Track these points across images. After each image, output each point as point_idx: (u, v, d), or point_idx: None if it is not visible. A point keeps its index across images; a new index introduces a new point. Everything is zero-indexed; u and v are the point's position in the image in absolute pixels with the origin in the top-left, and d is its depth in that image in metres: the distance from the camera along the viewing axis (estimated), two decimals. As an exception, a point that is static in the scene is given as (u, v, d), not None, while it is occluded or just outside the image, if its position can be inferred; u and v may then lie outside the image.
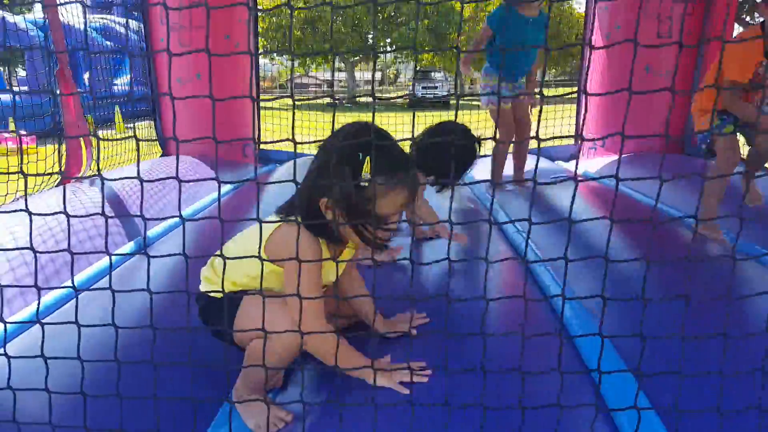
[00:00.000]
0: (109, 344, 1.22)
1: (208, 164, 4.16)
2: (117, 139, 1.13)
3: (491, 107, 3.71)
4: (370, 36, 26.28)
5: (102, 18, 15.19)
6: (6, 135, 9.02)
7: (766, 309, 1.77)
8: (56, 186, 3.17)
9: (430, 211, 2.54)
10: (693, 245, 2.56)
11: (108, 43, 14.11)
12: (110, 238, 2.68)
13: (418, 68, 26.24)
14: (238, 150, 4.90)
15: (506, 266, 2.31)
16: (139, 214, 1.36)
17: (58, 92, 3.00)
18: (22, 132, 8.02)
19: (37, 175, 1.03)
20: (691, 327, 1.60)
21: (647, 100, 1.56)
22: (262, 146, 5.37)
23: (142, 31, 4.64)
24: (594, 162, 4.95)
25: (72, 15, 5.92)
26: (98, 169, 1.27)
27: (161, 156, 4.62)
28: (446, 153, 2.16)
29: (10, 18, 11.81)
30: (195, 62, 3.99)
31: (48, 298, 1.99)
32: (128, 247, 2.65)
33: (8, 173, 1.17)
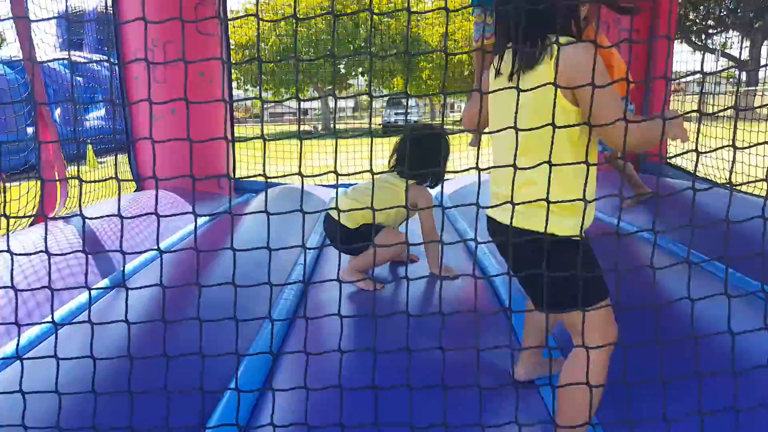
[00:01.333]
0: (87, 378, 1.27)
1: (183, 197, 4.20)
2: (98, 181, 1.19)
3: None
4: (342, 66, 26.67)
5: (72, 54, 15.16)
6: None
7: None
8: (30, 225, 3.18)
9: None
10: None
11: (78, 78, 14.10)
12: (88, 274, 2.70)
13: (389, 95, 26.63)
14: (213, 182, 4.95)
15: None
16: (116, 249, 1.40)
17: (32, 132, 3.04)
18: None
19: (17, 217, 1.09)
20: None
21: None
22: (237, 176, 5.42)
23: (115, 67, 4.70)
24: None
25: (43, 52, 5.95)
26: (80, 208, 1.32)
27: (135, 191, 4.65)
28: (424, 151, 2.60)
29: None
30: (170, 98, 4.04)
31: (30, 333, 2.02)
32: (105, 282, 2.68)
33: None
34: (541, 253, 1.24)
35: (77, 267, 2.63)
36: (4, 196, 1.28)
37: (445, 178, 2.76)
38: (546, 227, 1.24)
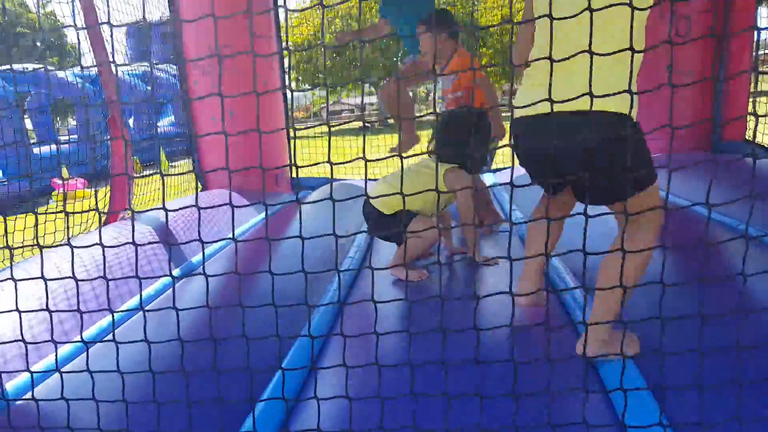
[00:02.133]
0: (166, 354, 1.41)
1: (244, 195, 4.39)
2: (171, 175, 1.31)
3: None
4: (398, 58, 26.64)
5: (142, 65, 15.96)
6: (58, 181, 9.61)
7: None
8: (103, 225, 3.43)
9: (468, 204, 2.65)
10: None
11: (149, 88, 14.84)
12: (159, 264, 2.92)
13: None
14: (271, 180, 5.13)
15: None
16: (185, 241, 1.53)
17: (107, 138, 3.29)
18: (74, 178, 8.49)
19: (83, 212, 1.22)
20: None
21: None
22: (294, 174, 5.60)
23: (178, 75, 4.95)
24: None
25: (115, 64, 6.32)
26: (163, 202, 1.46)
27: (201, 191, 4.90)
28: (462, 137, 2.57)
29: (60, 73, 12.57)
30: (228, 101, 4.22)
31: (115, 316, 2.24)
32: (177, 271, 2.91)
33: (56, 212, 1.37)
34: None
35: (153, 258, 2.87)
36: (96, 197, 1.43)
37: (489, 163, 2.72)
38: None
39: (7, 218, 1.84)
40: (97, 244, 1.45)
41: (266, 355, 1.63)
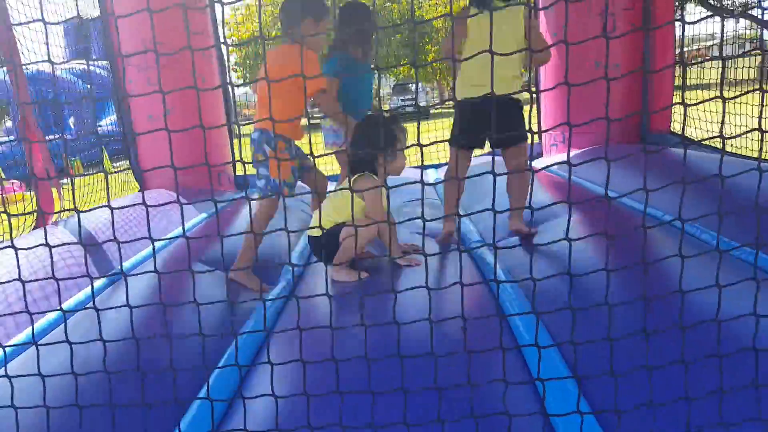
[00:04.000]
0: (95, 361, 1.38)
1: (183, 195, 4.30)
2: (83, 175, 1.27)
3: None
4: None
5: (80, 63, 15.38)
6: (-6, 184, 9.19)
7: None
8: (33, 230, 3.30)
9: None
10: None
11: (89, 86, 14.33)
12: (90, 268, 2.82)
13: (396, 82, 26.73)
14: (213, 179, 5.05)
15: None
16: (114, 242, 1.49)
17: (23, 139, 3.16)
18: (11, 181, 8.12)
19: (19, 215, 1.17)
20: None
21: (601, 93, 1.53)
22: (238, 172, 5.52)
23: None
24: (556, 158, 5.12)
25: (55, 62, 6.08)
26: (74, 205, 1.42)
27: (138, 191, 4.77)
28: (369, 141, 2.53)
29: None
30: (166, 99, 4.12)
31: (40, 323, 2.17)
32: (104, 279, 2.80)
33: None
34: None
35: (79, 263, 2.76)
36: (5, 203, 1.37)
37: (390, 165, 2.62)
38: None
39: None
40: (8, 247, 1.40)
41: (196, 357, 1.61)
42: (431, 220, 1.36)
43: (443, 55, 3.36)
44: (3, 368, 1.61)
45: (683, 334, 1.26)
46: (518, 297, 2.17)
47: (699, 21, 1.50)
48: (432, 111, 24.24)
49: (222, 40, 5.62)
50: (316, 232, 2.51)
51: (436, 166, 6.27)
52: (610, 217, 2.94)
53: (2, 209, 1.45)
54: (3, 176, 9.38)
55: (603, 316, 1.33)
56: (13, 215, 1.44)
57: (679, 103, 1.28)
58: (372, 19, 3.51)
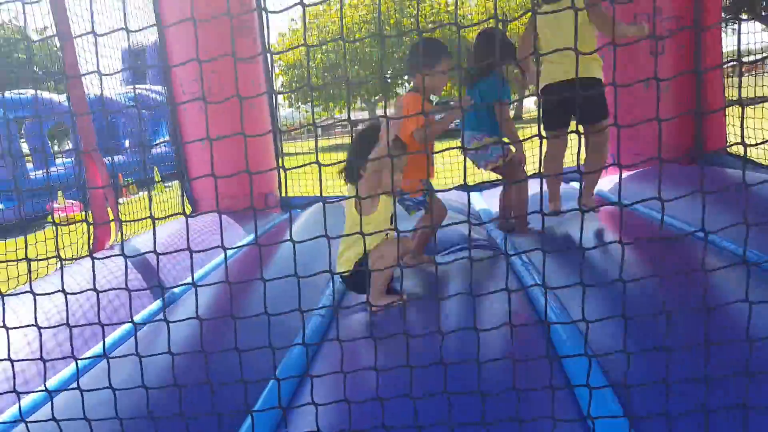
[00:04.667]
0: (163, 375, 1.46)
1: (233, 217, 4.45)
2: (141, 219, 1.37)
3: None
4: (388, 75, 26.88)
5: (136, 87, 16.05)
6: (56, 206, 9.65)
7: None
8: (92, 252, 3.47)
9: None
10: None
11: (144, 111, 14.92)
12: (143, 292, 2.95)
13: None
14: (260, 200, 5.19)
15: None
16: (158, 281, 1.59)
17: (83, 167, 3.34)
18: (70, 201, 8.52)
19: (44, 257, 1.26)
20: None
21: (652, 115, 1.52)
22: (283, 194, 5.66)
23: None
24: (606, 180, 5.01)
25: (110, 87, 6.44)
26: (121, 242, 1.52)
27: (190, 214, 4.95)
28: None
29: (57, 97, 12.68)
30: (216, 125, 4.28)
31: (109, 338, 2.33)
32: (156, 303, 2.93)
33: (44, 258, 1.42)
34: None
35: (144, 282, 2.91)
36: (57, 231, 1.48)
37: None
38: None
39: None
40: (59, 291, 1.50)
41: (260, 365, 1.69)
42: (479, 223, 1.39)
43: (524, 54, 3.53)
44: (76, 381, 1.70)
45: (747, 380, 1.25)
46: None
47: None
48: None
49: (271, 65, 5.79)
50: (345, 267, 2.56)
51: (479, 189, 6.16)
52: (670, 249, 2.86)
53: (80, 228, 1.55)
54: (63, 200, 9.86)
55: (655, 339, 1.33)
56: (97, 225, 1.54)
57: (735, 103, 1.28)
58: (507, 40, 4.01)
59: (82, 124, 3.36)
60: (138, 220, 1.54)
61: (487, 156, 3.60)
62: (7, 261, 1.66)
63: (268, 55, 5.67)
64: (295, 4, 1.35)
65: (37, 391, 1.92)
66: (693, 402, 1.33)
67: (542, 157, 3.40)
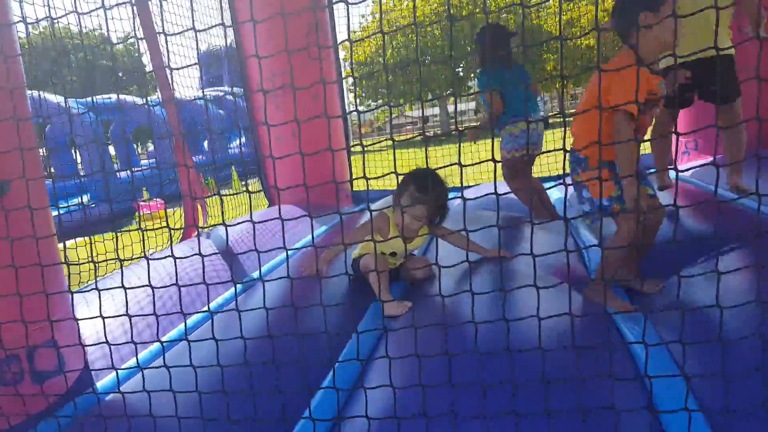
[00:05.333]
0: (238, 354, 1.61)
1: (306, 210, 4.62)
2: (235, 194, 1.50)
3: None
4: (460, 69, 26.71)
5: (215, 90, 16.77)
6: (141, 203, 10.29)
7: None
8: (180, 241, 3.72)
9: (459, 236, 2.68)
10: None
11: (221, 111, 15.60)
12: (226, 274, 3.15)
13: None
14: (332, 194, 5.35)
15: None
16: (255, 250, 1.72)
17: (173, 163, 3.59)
18: (154, 199, 9.07)
19: (175, 229, 1.41)
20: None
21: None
22: (355, 187, 5.81)
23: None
24: (689, 166, 4.83)
25: (188, 89, 6.80)
26: (223, 220, 1.67)
27: (268, 207, 5.18)
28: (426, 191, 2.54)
29: (139, 101, 13.46)
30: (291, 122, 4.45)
31: (189, 320, 2.50)
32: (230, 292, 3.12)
33: (150, 229, 1.59)
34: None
35: (222, 269, 3.10)
36: (166, 216, 1.65)
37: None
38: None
39: (93, 238, 2.10)
40: (169, 256, 1.66)
41: (321, 350, 1.80)
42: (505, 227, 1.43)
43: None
44: (162, 358, 1.87)
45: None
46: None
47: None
48: (550, 120, 23.55)
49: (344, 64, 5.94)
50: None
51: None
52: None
53: (163, 223, 1.72)
54: (148, 196, 10.49)
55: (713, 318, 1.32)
56: (174, 229, 1.70)
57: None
58: (503, 33, 3.89)
59: (173, 120, 3.61)
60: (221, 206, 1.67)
61: (505, 143, 3.75)
62: (92, 259, 1.83)
63: (342, 47, 5.81)
64: (365, -1, 1.43)
65: (128, 368, 2.11)
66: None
67: (652, 133, 3.38)
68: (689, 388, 1.37)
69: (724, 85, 3.16)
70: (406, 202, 2.56)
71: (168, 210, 9.73)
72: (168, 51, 3.88)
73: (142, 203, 10.11)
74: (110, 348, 1.79)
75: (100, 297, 1.73)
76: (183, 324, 2.49)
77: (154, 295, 1.81)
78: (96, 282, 1.86)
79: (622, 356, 1.72)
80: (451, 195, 2.64)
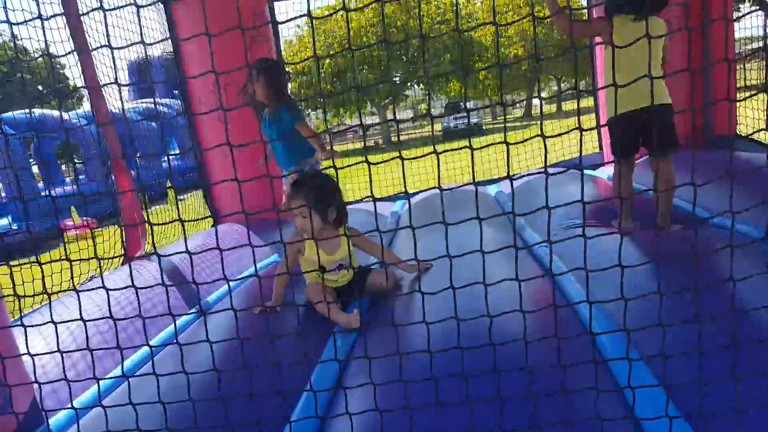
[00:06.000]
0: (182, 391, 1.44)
1: (256, 229, 4.42)
2: (166, 223, 1.34)
3: None
4: (397, 78, 26.92)
5: (144, 102, 16.14)
6: (69, 223, 9.70)
7: None
8: (121, 265, 3.45)
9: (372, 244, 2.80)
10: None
11: (152, 124, 15.01)
12: (176, 302, 2.93)
13: (447, 101, 26.72)
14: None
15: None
16: (195, 282, 1.58)
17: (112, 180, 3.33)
18: (85, 218, 8.53)
19: (105, 258, 1.24)
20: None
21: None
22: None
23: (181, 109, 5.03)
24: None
25: (116, 101, 6.45)
26: (154, 247, 1.49)
27: (212, 226, 4.93)
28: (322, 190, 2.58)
29: (65, 115, 12.74)
30: (235, 136, 4.25)
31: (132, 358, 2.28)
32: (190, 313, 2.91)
33: (81, 259, 1.40)
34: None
35: (163, 300, 2.87)
36: (94, 240, 1.47)
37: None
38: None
39: (15, 265, 1.89)
40: (100, 288, 1.49)
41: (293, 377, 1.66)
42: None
43: (562, 29, 3.09)
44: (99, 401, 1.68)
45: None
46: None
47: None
48: (485, 127, 24.05)
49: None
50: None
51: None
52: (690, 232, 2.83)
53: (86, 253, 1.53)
54: (77, 218, 9.89)
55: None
56: (103, 258, 1.51)
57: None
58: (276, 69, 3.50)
59: (109, 135, 3.35)
60: (166, 223, 1.51)
61: None
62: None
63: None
64: (302, 15, 1.36)
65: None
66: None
67: (615, 179, 3.33)
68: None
69: (667, 135, 3.09)
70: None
71: (100, 230, 9.22)
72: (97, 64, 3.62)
73: (68, 224, 9.53)
74: (69, 384, 1.60)
75: (26, 332, 1.55)
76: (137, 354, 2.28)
77: (115, 325, 1.61)
78: (21, 317, 1.68)
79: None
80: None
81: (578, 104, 1.34)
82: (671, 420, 1.34)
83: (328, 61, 25.14)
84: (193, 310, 2.95)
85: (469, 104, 25.86)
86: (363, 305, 2.64)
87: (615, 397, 1.59)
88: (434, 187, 3.59)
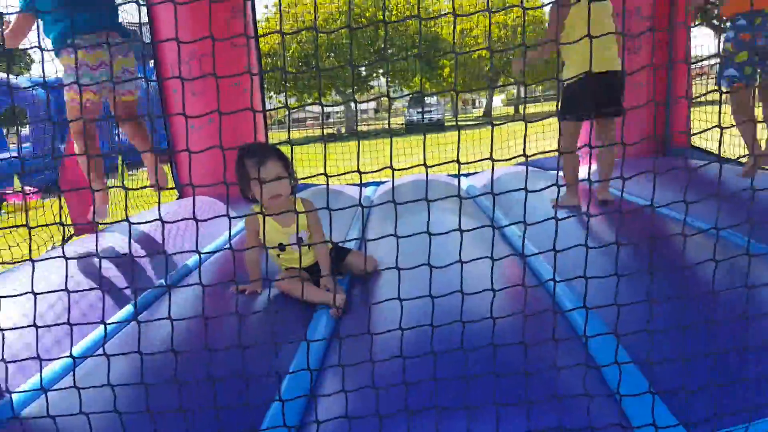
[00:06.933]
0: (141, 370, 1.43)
1: (223, 202, 4.35)
2: (141, 188, 1.31)
3: None
4: (363, 69, 26.82)
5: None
6: (9, 192, 9.23)
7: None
8: (71, 237, 3.33)
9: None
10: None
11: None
12: (137, 279, 2.84)
13: (410, 94, 26.84)
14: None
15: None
16: (161, 252, 1.52)
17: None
18: (27, 188, 8.18)
19: (67, 225, 1.21)
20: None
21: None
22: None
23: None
24: (582, 170, 5.14)
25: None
26: (127, 216, 1.45)
27: (177, 198, 4.83)
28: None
29: (13, 79, 12.13)
30: (207, 108, 4.14)
31: (92, 336, 2.19)
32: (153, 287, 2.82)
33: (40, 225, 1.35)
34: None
35: (124, 276, 2.75)
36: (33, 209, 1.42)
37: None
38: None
39: None
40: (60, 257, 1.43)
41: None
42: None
43: (549, 38, 3.49)
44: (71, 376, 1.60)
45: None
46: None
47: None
48: (446, 123, 24.28)
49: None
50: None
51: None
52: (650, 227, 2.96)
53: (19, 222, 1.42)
54: (19, 185, 9.42)
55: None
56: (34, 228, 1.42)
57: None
58: None
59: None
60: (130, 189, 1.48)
61: None
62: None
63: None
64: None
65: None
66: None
67: (559, 148, 3.48)
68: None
69: (618, 100, 3.38)
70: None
71: (42, 201, 8.82)
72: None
73: (9, 193, 9.09)
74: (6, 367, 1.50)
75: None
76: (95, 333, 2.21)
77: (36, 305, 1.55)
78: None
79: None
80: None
81: (525, 93, 1.40)
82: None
83: (295, 45, 24.82)
84: (158, 283, 2.85)
85: (432, 99, 25.98)
86: (343, 283, 2.62)
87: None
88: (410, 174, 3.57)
